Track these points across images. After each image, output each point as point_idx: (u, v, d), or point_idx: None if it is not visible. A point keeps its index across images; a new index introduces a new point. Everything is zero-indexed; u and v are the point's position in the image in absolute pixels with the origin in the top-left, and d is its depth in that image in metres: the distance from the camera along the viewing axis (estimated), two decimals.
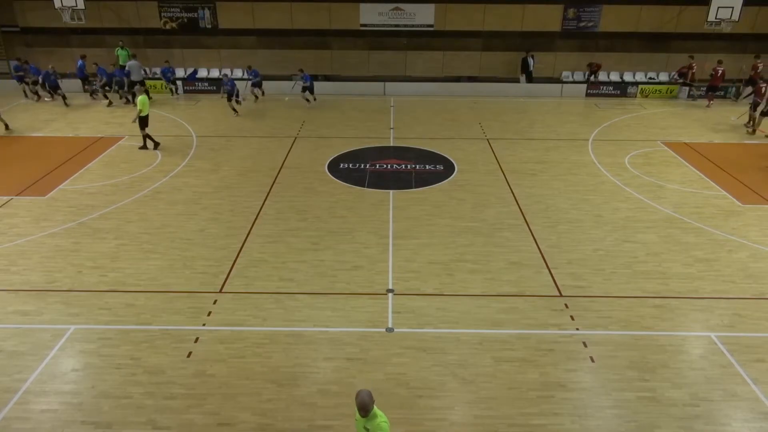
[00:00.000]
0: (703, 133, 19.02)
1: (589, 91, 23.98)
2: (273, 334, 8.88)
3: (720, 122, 20.23)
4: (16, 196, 13.72)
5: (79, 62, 22.96)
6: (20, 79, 22.42)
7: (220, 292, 9.99)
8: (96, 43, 24.74)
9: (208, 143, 17.34)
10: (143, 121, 16.63)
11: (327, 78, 25.26)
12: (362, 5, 23.89)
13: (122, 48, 23.69)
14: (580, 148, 17.50)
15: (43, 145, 17.25)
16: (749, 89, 21.31)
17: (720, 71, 22.26)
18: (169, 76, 23.38)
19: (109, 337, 8.77)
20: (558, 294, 9.98)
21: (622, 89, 23.92)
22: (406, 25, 24.29)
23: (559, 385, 7.88)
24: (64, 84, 22.11)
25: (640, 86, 23.85)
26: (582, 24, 24.17)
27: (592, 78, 24.39)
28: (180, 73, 25.05)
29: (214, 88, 24.01)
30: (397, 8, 23.94)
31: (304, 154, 16.87)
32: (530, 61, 24.14)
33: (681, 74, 23.60)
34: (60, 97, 21.82)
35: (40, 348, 8.50)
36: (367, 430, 5.46)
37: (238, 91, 20.70)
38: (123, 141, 17.64)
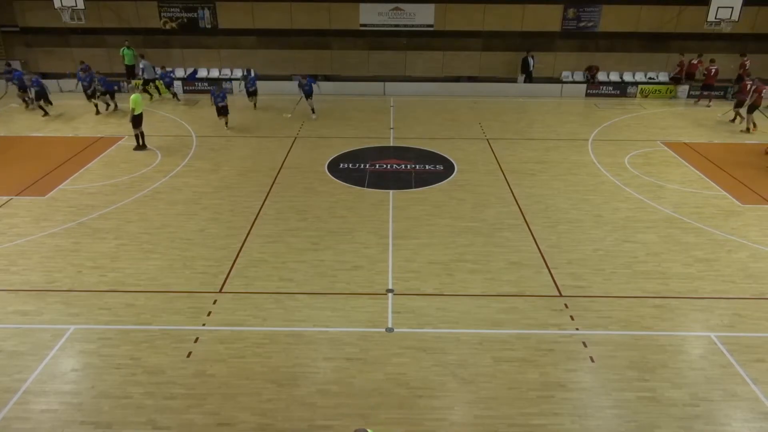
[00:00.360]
0: (702, 133, 19.03)
1: (588, 91, 23.98)
2: (273, 334, 8.88)
3: (719, 122, 20.23)
4: (16, 196, 13.72)
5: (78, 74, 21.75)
6: (9, 81, 21.84)
7: (220, 292, 9.99)
8: (96, 43, 24.76)
9: (208, 143, 17.34)
10: (137, 120, 16.64)
11: (327, 78, 25.25)
12: (362, 5, 23.89)
13: (128, 48, 23.70)
14: (579, 148, 17.50)
15: (42, 145, 17.24)
16: (737, 87, 21.49)
17: (713, 70, 22.39)
18: (167, 81, 22.86)
19: (109, 337, 8.77)
20: (558, 294, 9.98)
21: (621, 89, 23.92)
22: (406, 25, 24.29)
23: (559, 385, 7.88)
24: (64, 84, 22.12)
25: (639, 86, 23.85)
26: (582, 24, 24.17)
27: (591, 80, 24.41)
28: (180, 73, 25.07)
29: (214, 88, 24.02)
30: (397, 8, 23.94)
31: (304, 154, 16.86)
32: (530, 61, 24.14)
33: (688, 74, 23.62)
34: (41, 107, 20.00)
35: (40, 348, 8.50)
36: None
37: (223, 108, 18.96)
38: (123, 141, 17.64)
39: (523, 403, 7.56)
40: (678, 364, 8.29)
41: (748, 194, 14.08)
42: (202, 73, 25.18)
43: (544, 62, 24.65)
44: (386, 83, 24.41)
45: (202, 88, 24.02)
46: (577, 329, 9.04)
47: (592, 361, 8.35)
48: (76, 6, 21.58)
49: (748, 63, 22.74)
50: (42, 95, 20.00)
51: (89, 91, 20.68)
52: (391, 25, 24.27)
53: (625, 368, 8.19)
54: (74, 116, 20.26)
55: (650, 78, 24.86)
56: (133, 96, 16.68)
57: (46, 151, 16.75)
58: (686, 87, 23.66)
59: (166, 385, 7.82)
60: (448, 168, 15.81)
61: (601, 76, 24.86)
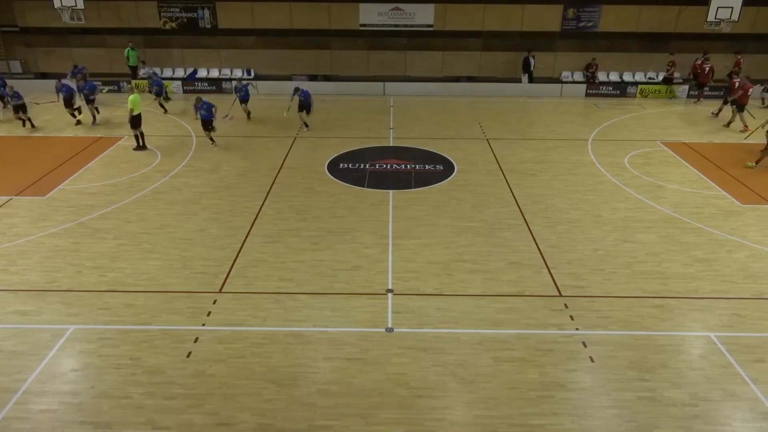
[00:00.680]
0: (702, 133, 19.03)
1: (588, 91, 24.00)
2: (273, 334, 8.88)
3: (719, 122, 20.21)
4: (16, 196, 13.71)
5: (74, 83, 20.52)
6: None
7: (220, 292, 9.99)
8: (96, 43, 24.76)
9: (208, 143, 17.32)
10: (135, 121, 16.63)
11: (327, 78, 25.28)
12: (362, 5, 23.89)
13: (132, 49, 23.69)
14: (579, 148, 17.50)
15: (42, 145, 17.24)
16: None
17: (707, 68, 22.48)
18: (158, 89, 20.80)
19: (108, 337, 8.77)
20: (558, 294, 9.98)
21: (621, 89, 23.94)
22: (405, 25, 24.29)
23: (559, 385, 7.88)
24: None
25: (639, 86, 23.87)
26: (582, 24, 24.17)
27: (591, 79, 24.42)
28: (180, 73, 25.09)
29: (214, 88, 24.07)
30: (396, 8, 23.94)
31: (303, 154, 16.87)
32: (531, 60, 24.15)
33: (694, 75, 23.64)
34: (21, 119, 18.54)
35: (40, 348, 8.49)
36: None
37: (207, 123, 17.20)
38: (122, 141, 17.64)
39: (522, 403, 7.56)
40: (678, 364, 8.29)
41: (748, 194, 14.08)
42: (202, 73, 25.19)
43: (544, 62, 24.65)
44: (386, 83, 24.42)
45: (202, 88, 24.07)
46: (576, 329, 9.04)
47: (592, 361, 8.35)
48: (76, 6, 21.58)
49: (742, 61, 22.81)
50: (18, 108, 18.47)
51: (72, 101, 19.14)
52: (391, 25, 24.27)
53: (625, 368, 8.19)
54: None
55: (650, 78, 24.87)
56: (131, 96, 16.66)
57: (46, 151, 16.75)
58: (686, 87, 23.69)
59: (165, 385, 7.82)
60: (448, 168, 15.81)
61: (601, 76, 24.87)
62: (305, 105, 18.80)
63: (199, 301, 9.70)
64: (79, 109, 19.43)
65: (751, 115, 19.15)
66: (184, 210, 13.09)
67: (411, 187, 14.46)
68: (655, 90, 23.85)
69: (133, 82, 23.32)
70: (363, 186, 14.50)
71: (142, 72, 23.72)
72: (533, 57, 24.16)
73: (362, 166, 15.84)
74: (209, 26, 24.45)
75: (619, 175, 15.25)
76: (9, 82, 20.36)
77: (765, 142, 15.74)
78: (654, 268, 10.79)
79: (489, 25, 24.18)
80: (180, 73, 25.13)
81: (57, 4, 21.44)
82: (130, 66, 23.89)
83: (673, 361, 8.34)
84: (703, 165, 16.05)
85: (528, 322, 9.21)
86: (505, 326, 9.11)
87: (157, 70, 24.11)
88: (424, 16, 24.07)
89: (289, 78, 25.04)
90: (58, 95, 19.51)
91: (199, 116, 17.27)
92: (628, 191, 14.24)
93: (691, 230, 12.27)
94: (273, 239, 11.81)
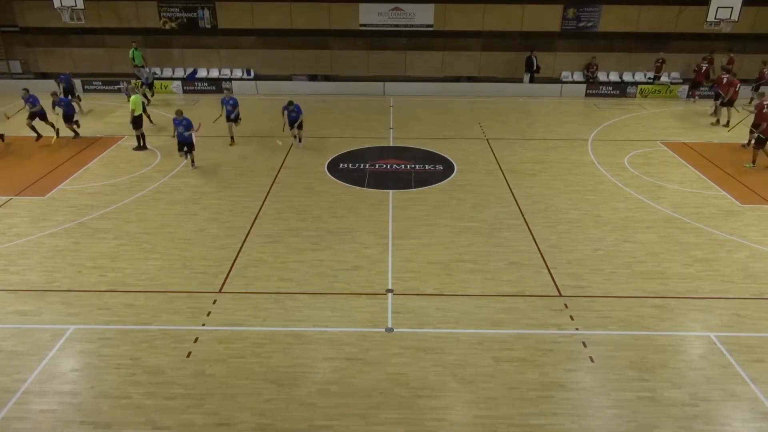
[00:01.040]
0: (702, 134, 19.03)
1: (588, 91, 24.01)
2: (272, 334, 8.88)
3: (718, 122, 20.21)
4: (16, 196, 13.71)
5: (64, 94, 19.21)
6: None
7: (220, 292, 9.99)
8: (95, 43, 24.77)
9: (208, 143, 17.32)
10: (137, 121, 16.64)
11: (327, 78, 25.29)
12: (362, 5, 23.89)
13: (136, 49, 23.67)
14: (579, 148, 17.50)
15: (42, 145, 17.23)
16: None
17: (704, 68, 22.62)
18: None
19: (108, 337, 8.77)
20: (558, 294, 9.98)
21: (621, 89, 23.95)
22: (405, 25, 24.29)
23: (559, 385, 7.88)
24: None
25: (639, 86, 23.89)
26: (581, 24, 24.17)
27: (591, 79, 24.43)
28: (179, 73, 25.09)
29: (214, 88, 24.08)
30: (396, 8, 23.94)
31: (303, 154, 16.86)
32: (534, 60, 24.16)
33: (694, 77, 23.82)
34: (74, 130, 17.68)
35: (40, 348, 8.49)
36: None
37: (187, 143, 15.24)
38: (122, 141, 17.64)
39: (522, 403, 7.56)
40: (677, 364, 8.29)
41: (748, 194, 14.08)
42: (202, 73, 25.20)
43: (544, 62, 24.65)
44: (386, 83, 24.43)
45: (202, 88, 24.08)
46: (576, 329, 9.04)
47: (592, 361, 8.35)
48: (76, 6, 21.59)
49: (734, 59, 23.10)
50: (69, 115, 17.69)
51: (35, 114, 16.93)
52: (390, 25, 24.27)
53: (625, 368, 8.19)
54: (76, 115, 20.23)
55: (650, 78, 24.86)
56: (133, 97, 16.70)
57: (45, 150, 16.74)
58: (686, 87, 23.71)
59: (165, 385, 7.82)
60: (448, 168, 15.81)
61: (601, 76, 24.87)
62: (295, 120, 16.94)
63: (199, 301, 9.70)
64: (77, 123, 17.97)
65: (737, 110, 19.51)
66: (184, 210, 13.09)
67: (411, 187, 14.46)
68: (655, 90, 23.86)
69: (133, 81, 23.29)
70: (363, 186, 14.50)
71: (138, 74, 23.49)
72: (536, 57, 24.18)
73: (362, 166, 15.84)
74: (209, 26, 24.45)
75: (619, 175, 15.25)
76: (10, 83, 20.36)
77: (748, 140, 16.01)
78: (654, 268, 10.79)
79: (489, 25, 24.18)
80: (180, 73, 25.14)
81: (57, 4, 21.45)
82: (136, 66, 23.87)
83: (673, 361, 8.34)
84: (703, 165, 16.05)
85: (528, 322, 9.21)
86: (505, 326, 9.11)
87: (148, 70, 23.52)
88: (424, 16, 24.07)
89: (289, 78, 25.07)
90: (28, 105, 16.91)
91: (175, 135, 15.09)
92: (628, 191, 14.25)
93: (691, 230, 12.28)
94: (273, 239, 11.81)
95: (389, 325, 9.09)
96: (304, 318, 9.28)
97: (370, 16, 24.13)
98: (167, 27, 24.50)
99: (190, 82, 24.25)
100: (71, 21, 22.01)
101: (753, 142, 16.10)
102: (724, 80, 19.65)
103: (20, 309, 9.42)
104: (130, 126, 16.97)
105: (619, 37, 24.45)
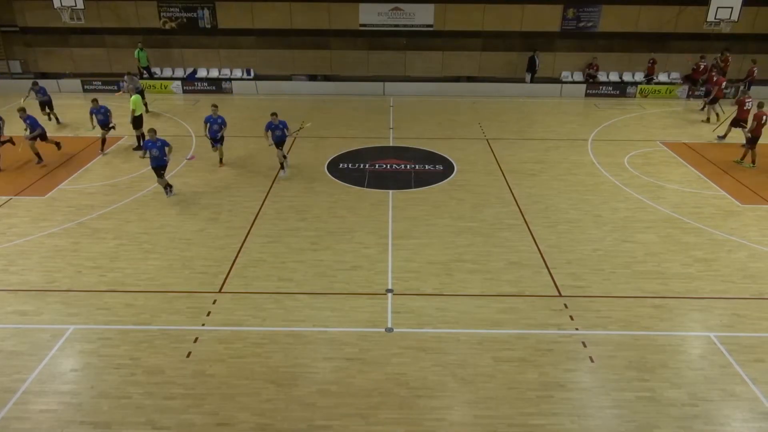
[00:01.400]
0: (702, 134, 19.03)
1: (588, 91, 24.00)
2: (272, 334, 8.88)
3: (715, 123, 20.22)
4: (16, 196, 13.71)
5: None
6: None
7: (220, 292, 9.99)
8: (95, 43, 24.75)
9: (208, 143, 17.26)
10: (137, 121, 16.64)
11: (327, 78, 25.29)
12: (361, 5, 23.89)
13: (141, 50, 23.64)
14: (579, 148, 17.50)
15: (42, 145, 17.18)
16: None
17: (702, 66, 22.78)
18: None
19: (108, 337, 8.77)
20: (557, 294, 9.98)
21: (621, 89, 23.94)
22: (405, 25, 24.28)
23: (559, 385, 7.88)
24: (65, 84, 21.96)
25: (639, 86, 23.88)
26: (581, 24, 24.17)
27: (591, 79, 24.43)
28: (179, 73, 25.09)
29: (214, 88, 24.08)
30: (396, 8, 23.93)
31: (303, 154, 16.86)
32: (536, 60, 24.16)
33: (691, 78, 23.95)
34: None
35: (39, 348, 8.50)
36: None
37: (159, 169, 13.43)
38: (122, 141, 17.64)
39: (522, 403, 7.57)
40: (677, 364, 8.29)
41: (748, 194, 14.09)
42: (202, 73, 25.19)
43: (544, 62, 24.64)
44: (386, 83, 24.42)
45: (202, 88, 24.08)
46: (576, 329, 9.04)
47: (592, 361, 8.36)
48: (76, 6, 21.59)
49: (730, 58, 23.23)
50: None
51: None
52: (390, 25, 24.26)
53: (625, 368, 8.19)
54: (74, 116, 20.23)
55: (642, 79, 24.85)
56: (133, 97, 16.71)
57: (45, 150, 16.70)
58: (686, 87, 23.72)
59: (165, 385, 7.82)
60: (448, 168, 15.81)
61: (601, 76, 24.87)
62: (282, 140, 14.94)
63: (198, 301, 9.70)
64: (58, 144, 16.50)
65: (722, 110, 19.87)
66: (184, 210, 13.09)
67: (411, 187, 14.46)
68: (655, 90, 23.86)
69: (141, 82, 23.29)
70: (363, 186, 14.50)
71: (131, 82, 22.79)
72: (537, 56, 24.18)
73: (362, 166, 15.84)
74: (209, 26, 24.45)
75: (619, 175, 15.25)
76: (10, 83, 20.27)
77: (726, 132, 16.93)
78: (654, 268, 10.79)
79: (489, 25, 24.18)
80: (180, 73, 25.13)
81: (57, 4, 21.45)
82: (141, 67, 23.87)
83: (673, 361, 8.35)
84: (702, 165, 16.05)
85: (528, 322, 9.21)
86: (505, 326, 9.12)
87: (137, 79, 22.54)
88: (423, 16, 24.06)
89: (288, 78, 25.07)
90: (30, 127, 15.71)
91: (148, 155, 13.31)
92: (628, 191, 14.25)
93: (691, 230, 12.28)
94: (273, 239, 11.81)
95: (389, 325, 9.09)
96: (304, 318, 9.28)
97: (369, 16, 24.13)
98: (167, 27, 24.49)
99: (189, 82, 24.24)
100: (71, 21, 22.00)
101: (744, 143, 16.27)
102: (714, 78, 20.11)
103: (20, 309, 9.42)
104: (130, 126, 16.98)
105: (619, 37, 24.44)
